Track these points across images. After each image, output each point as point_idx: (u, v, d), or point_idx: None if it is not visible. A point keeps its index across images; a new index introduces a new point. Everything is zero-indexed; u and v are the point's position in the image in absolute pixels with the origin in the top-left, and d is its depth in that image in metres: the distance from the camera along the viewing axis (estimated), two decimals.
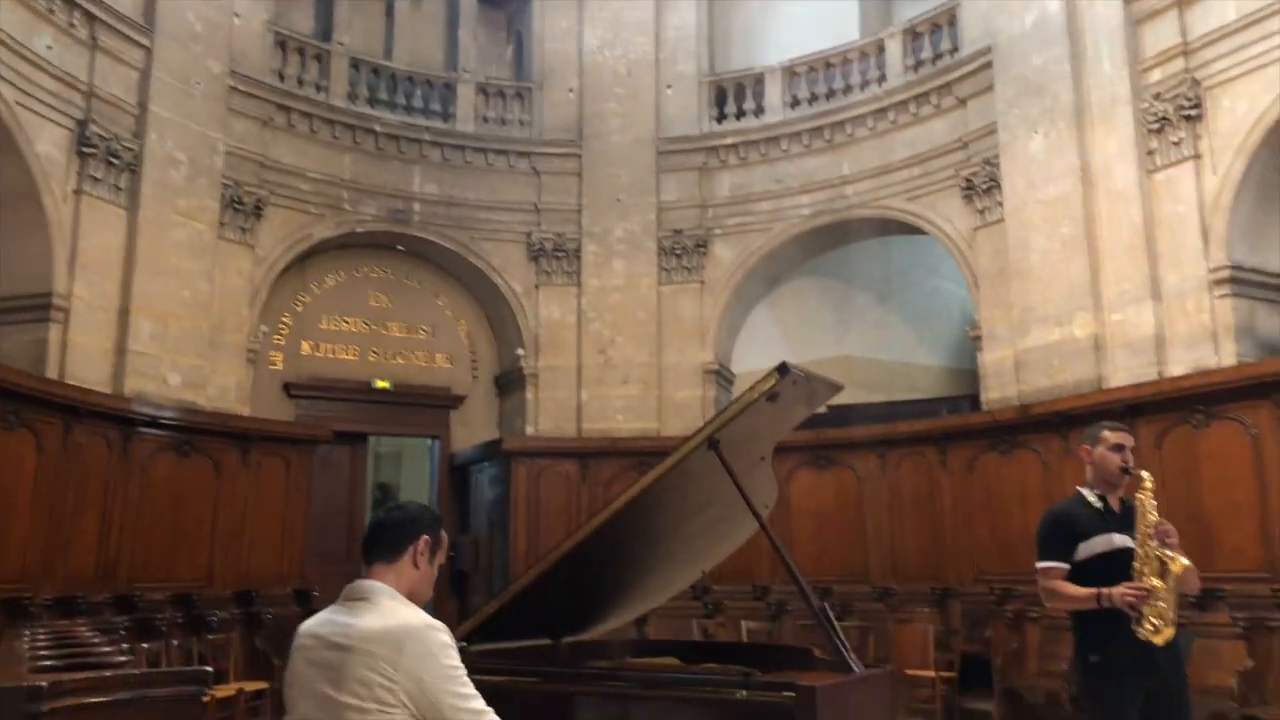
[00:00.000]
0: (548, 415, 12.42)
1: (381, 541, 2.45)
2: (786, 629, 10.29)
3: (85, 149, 9.17)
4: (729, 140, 12.66)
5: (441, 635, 2.30)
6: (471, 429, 12.99)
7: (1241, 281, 8.71)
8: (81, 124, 9.16)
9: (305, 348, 12.13)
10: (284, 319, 11.97)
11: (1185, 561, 3.63)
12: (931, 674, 8.95)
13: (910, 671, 9.14)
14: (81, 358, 9.01)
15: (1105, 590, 3.70)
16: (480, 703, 2.34)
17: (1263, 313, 8.79)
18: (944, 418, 10.95)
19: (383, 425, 12.88)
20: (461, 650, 3.15)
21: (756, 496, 3.36)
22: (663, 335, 12.50)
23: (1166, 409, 8.60)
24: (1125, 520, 3.85)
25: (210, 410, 9.97)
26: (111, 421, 8.89)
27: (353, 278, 12.57)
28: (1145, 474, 3.83)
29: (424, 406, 12.84)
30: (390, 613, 2.31)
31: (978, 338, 10.84)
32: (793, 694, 2.42)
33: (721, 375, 12.64)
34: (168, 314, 9.79)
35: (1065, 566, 3.90)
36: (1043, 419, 9.47)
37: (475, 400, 13.12)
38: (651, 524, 3.52)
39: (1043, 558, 3.96)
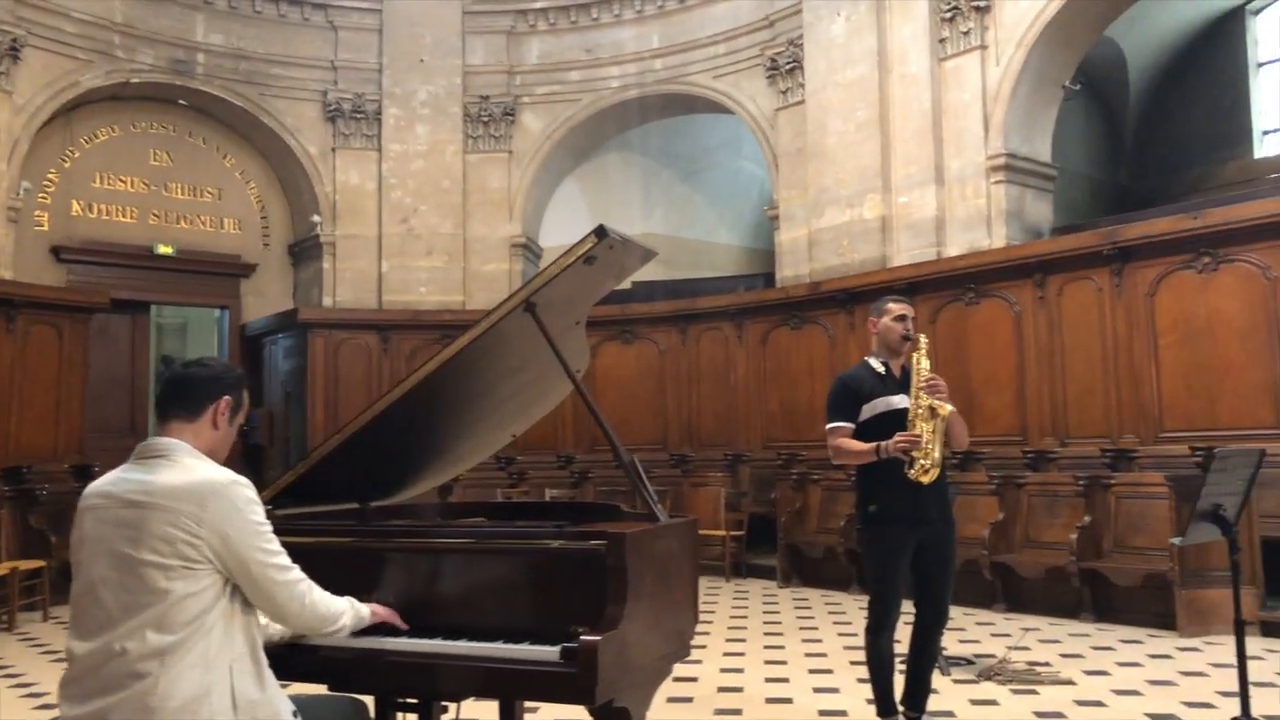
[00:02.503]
0: (347, 286, 12.03)
1: (180, 398, 2.34)
2: (589, 495, 10.63)
3: None
4: (539, 4, 12.29)
5: (246, 491, 2.25)
6: (264, 299, 12.44)
7: (1015, 169, 9.37)
8: None
9: (76, 208, 11.17)
10: (50, 175, 10.95)
11: (950, 407, 4.01)
12: (722, 533, 9.51)
13: (703, 531, 9.67)
14: None
15: (883, 443, 4.05)
16: (287, 559, 2.31)
17: (1030, 198, 9.52)
18: (741, 294, 11.35)
19: (166, 294, 12.12)
20: (267, 514, 3.13)
21: (571, 360, 3.41)
22: (469, 206, 12.25)
23: (942, 287, 9.25)
24: (904, 385, 4.19)
25: None
26: None
27: (129, 133, 11.58)
28: (922, 337, 4.20)
29: (212, 274, 12.16)
30: (191, 469, 2.23)
31: (775, 217, 11.22)
32: (603, 541, 2.53)
33: (529, 249, 12.57)
34: None
35: (850, 425, 4.24)
36: (831, 296, 9.99)
37: (268, 269, 12.53)
38: (463, 388, 3.52)
39: (831, 418, 4.28)
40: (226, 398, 2.38)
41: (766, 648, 6.45)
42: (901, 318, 4.26)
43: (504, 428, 4.02)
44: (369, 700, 2.88)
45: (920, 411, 4.02)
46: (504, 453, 11.17)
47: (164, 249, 11.64)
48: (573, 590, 2.58)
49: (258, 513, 2.25)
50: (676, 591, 2.85)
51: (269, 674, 2.26)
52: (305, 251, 12.39)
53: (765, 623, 7.37)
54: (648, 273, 13.26)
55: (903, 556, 4.20)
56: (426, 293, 12.02)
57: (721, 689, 5.39)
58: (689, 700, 5.14)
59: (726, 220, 14.41)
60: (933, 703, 4.64)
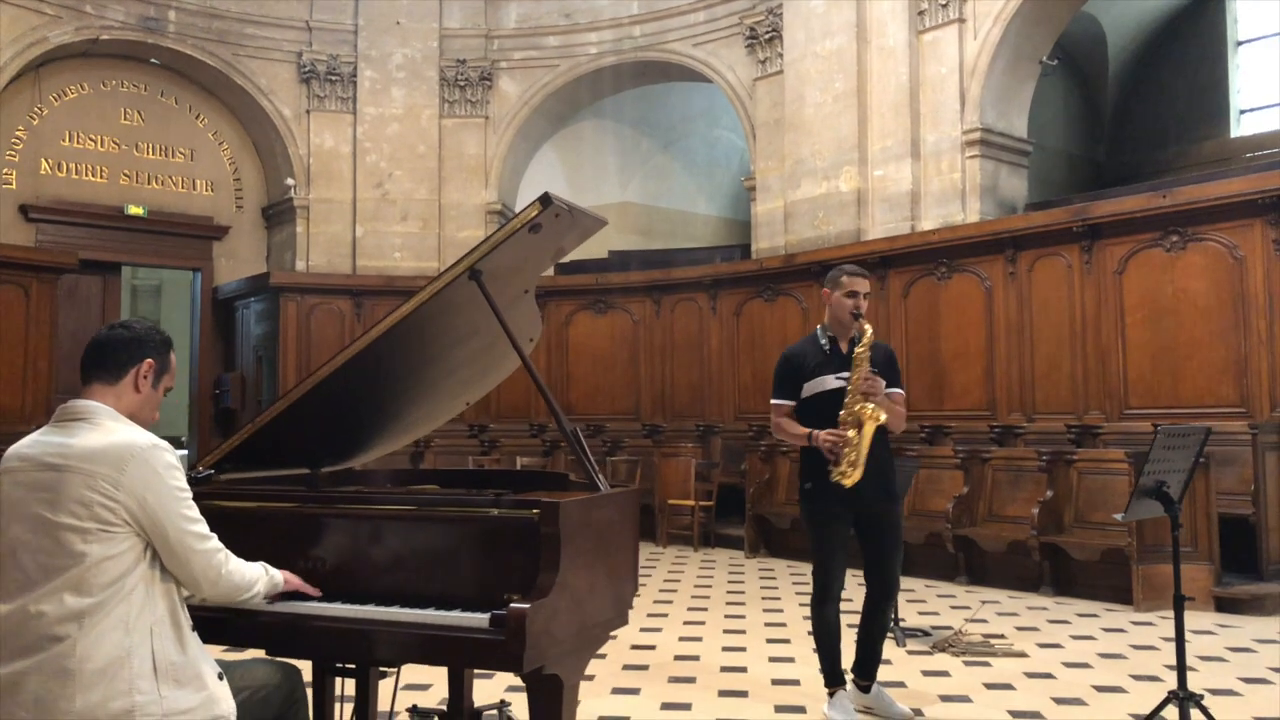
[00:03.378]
0: (320, 250, 11.95)
1: (101, 361, 2.32)
2: (560, 463, 10.64)
3: None
4: None
5: (166, 455, 2.22)
6: (237, 262, 12.34)
7: (990, 144, 9.36)
8: None
9: (45, 166, 11.03)
10: (18, 133, 10.80)
11: (882, 417, 3.97)
12: (691, 503, 9.55)
13: (672, 501, 9.73)
14: None
15: (814, 432, 4.03)
16: (205, 528, 2.29)
17: (1005, 173, 9.52)
18: (715, 265, 11.34)
19: (138, 255, 12.01)
20: (208, 479, 3.11)
21: (519, 329, 3.39)
22: (444, 171, 12.16)
23: (915, 261, 9.26)
24: (847, 361, 4.12)
25: None
26: None
27: (99, 91, 11.42)
28: (867, 328, 4.05)
29: (184, 236, 12.05)
30: (111, 431, 2.21)
31: (752, 188, 11.18)
32: (537, 510, 2.53)
33: (504, 216, 12.48)
34: None
35: (790, 403, 4.22)
36: (805, 268, 9.98)
37: (241, 231, 12.42)
38: (413, 355, 3.50)
39: (774, 395, 4.29)
40: (149, 360, 2.35)
41: (727, 617, 6.49)
42: (853, 294, 4.13)
43: (457, 395, 4.00)
44: (306, 665, 2.89)
45: (852, 413, 3.98)
46: (477, 421, 11.20)
47: (135, 209, 11.52)
48: (509, 558, 2.58)
49: (178, 478, 2.22)
50: (614, 560, 2.86)
51: (191, 637, 2.26)
52: (279, 215, 12.29)
53: (729, 592, 7.42)
54: (624, 242, 13.24)
55: (838, 531, 4.22)
56: (401, 258, 11.95)
57: (679, 657, 5.42)
58: (645, 668, 5.17)
59: (705, 190, 14.36)
60: (885, 673, 4.70)
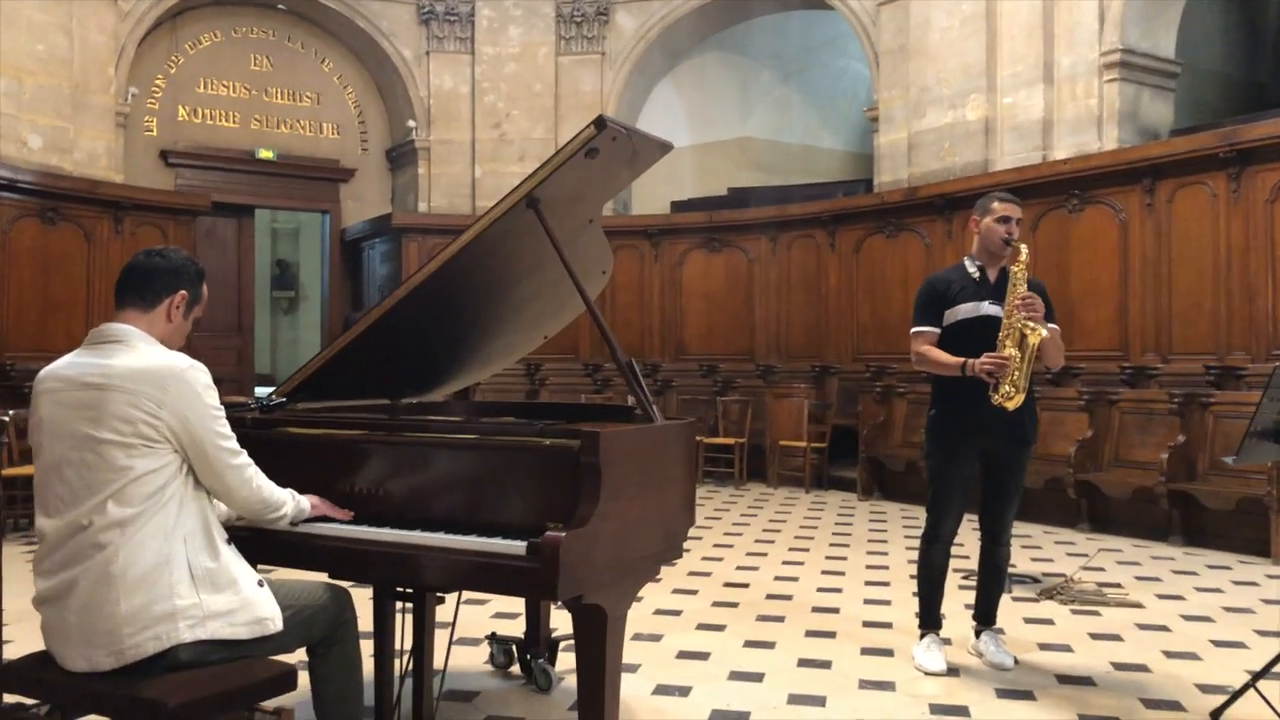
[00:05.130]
0: (441, 191, 12.12)
1: (137, 287, 2.38)
2: (671, 403, 10.63)
3: None
4: None
5: (203, 376, 2.31)
6: (363, 203, 12.65)
7: (1131, 66, 8.70)
8: None
9: (182, 113, 11.49)
10: (157, 81, 11.27)
11: (1044, 332, 3.74)
12: (803, 444, 9.39)
13: (784, 442, 9.59)
14: None
15: (970, 361, 3.82)
16: (237, 444, 2.38)
17: (1147, 98, 8.85)
18: (834, 200, 10.98)
19: (269, 198, 12.44)
20: (280, 406, 3.19)
21: (582, 261, 3.33)
22: (561, 110, 12.12)
23: (1046, 192, 8.74)
24: (999, 290, 3.92)
25: (77, 175, 9.48)
26: None
27: (230, 38, 11.79)
28: (1023, 247, 3.88)
29: (312, 179, 12.40)
30: (147, 354, 2.29)
31: (875, 119, 10.75)
32: (578, 439, 2.49)
33: None
34: (21, 70, 9.12)
35: (935, 331, 4.02)
36: (928, 202, 9.56)
37: (366, 173, 12.71)
38: (480, 287, 3.49)
39: (915, 322, 4.08)
40: (182, 292, 2.42)
41: (828, 558, 6.37)
42: (1005, 219, 3.95)
43: (535, 328, 3.98)
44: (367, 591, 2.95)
45: (1010, 333, 3.78)
46: (591, 360, 11.26)
47: (265, 153, 11.91)
48: (554, 488, 2.55)
49: (213, 398, 2.32)
50: (665, 492, 2.79)
51: (225, 548, 2.35)
52: (402, 156, 12.52)
53: (834, 534, 7.28)
54: (745, 179, 12.97)
55: (961, 465, 4.02)
56: None
57: (771, 596, 5.34)
58: (735, 605, 5.12)
59: (830, 124, 13.88)
60: None
